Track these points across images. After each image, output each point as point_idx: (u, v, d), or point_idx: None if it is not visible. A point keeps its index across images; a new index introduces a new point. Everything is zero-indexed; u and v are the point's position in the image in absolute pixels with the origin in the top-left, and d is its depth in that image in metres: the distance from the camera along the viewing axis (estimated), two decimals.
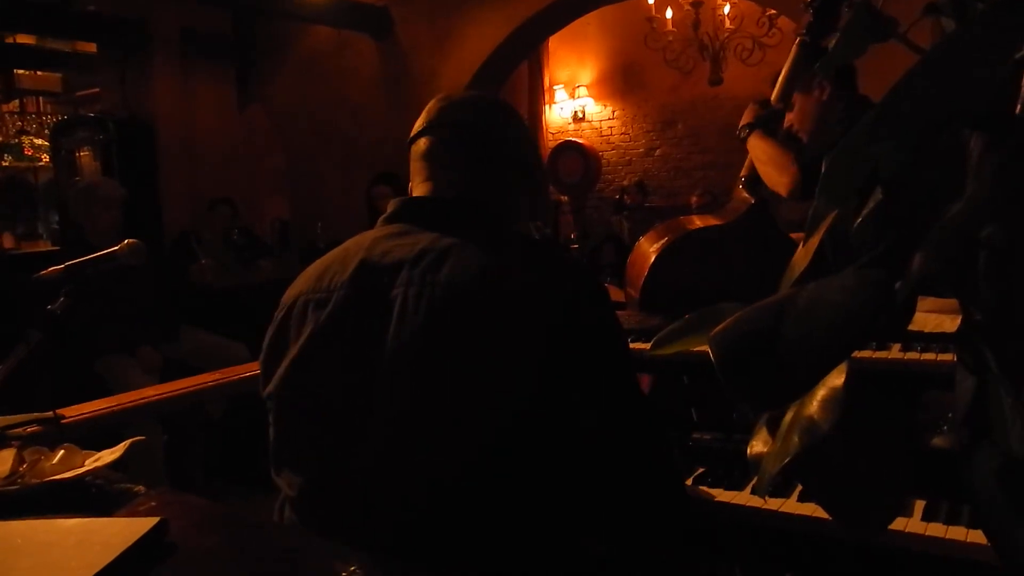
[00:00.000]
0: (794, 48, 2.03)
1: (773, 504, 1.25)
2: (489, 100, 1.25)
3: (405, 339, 1.00)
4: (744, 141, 2.15)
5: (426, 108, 1.22)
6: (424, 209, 1.15)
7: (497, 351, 0.98)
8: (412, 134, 1.21)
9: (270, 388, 1.12)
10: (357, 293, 1.07)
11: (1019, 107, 0.44)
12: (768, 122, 2.11)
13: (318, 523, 1.04)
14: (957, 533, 1.12)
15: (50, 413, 1.52)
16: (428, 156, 1.18)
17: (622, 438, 1.05)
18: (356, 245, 1.13)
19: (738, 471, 1.39)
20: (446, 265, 1.01)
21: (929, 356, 1.52)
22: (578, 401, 1.00)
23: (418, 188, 1.19)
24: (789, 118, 2.22)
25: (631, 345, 1.63)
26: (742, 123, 2.18)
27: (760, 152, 2.09)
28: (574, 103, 8.31)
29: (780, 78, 2.10)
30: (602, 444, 1.04)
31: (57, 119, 7.11)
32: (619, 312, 1.81)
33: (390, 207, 1.17)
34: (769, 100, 2.14)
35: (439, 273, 1.01)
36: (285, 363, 1.09)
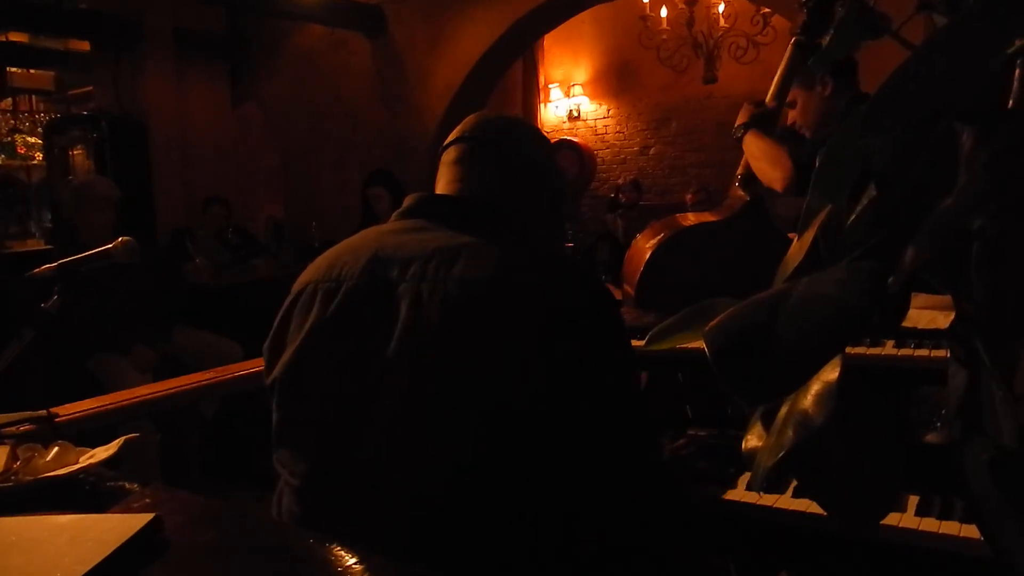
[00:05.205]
0: (789, 48, 2.04)
1: (767, 499, 1.26)
2: (517, 119, 1.30)
3: (414, 333, 1.01)
4: (739, 141, 2.16)
5: (460, 123, 1.26)
6: (441, 206, 1.17)
7: (505, 348, 0.99)
8: (444, 143, 1.25)
9: (275, 374, 1.12)
10: (367, 284, 1.08)
11: (1011, 101, 0.44)
12: (762, 121, 2.12)
13: (320, 512, 1.05)
14: (950, 528, 1.12)
15: (43, 412, 1.51)
16: (455, 162, 1.22)
17: (618, 439, 1.06)
18: (369, 237, 1.15)
19: (733, 466, 1.39)
20: (459, 262, 1.02)
21: (923, 352, 1.52)
22: (580, 403, 1.01)
23: (441, 189, 1.22)
24: (791, 115, 2.23)
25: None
26: (737, 123, 2.18)
27: (755, 149, 2.10)
28: (569, 102, 8.29)
29: (776, 78, 2.11)
30: (599, 444, 1.05)
31: (50, 117, 7.08)
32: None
33: (406, 202, 1.19)
34: (763, 101, 2.16)
35: (452, 270, 1.02)
36: (291, 349, 1.10)
